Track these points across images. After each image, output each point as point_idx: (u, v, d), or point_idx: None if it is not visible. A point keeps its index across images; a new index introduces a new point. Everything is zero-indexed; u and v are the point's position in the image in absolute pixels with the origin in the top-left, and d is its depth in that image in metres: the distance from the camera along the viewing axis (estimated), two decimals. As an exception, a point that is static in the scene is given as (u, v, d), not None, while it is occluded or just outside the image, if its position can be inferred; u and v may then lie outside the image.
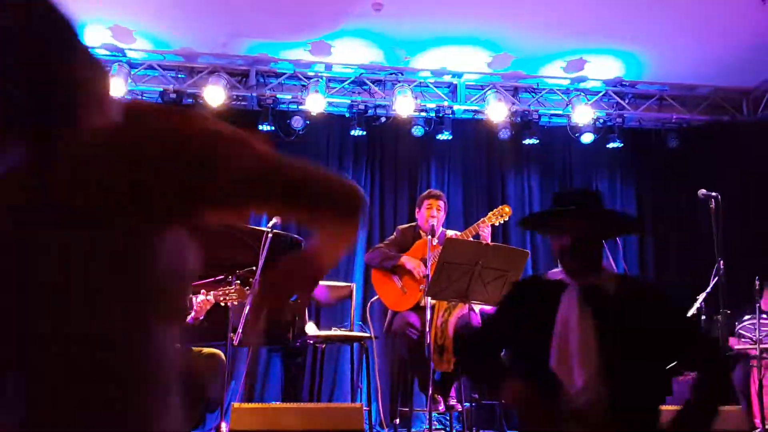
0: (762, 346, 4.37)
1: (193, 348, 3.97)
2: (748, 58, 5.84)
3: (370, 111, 6.29)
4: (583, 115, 6.23)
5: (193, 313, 3.91)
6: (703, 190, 4.31)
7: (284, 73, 6.24)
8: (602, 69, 6.22)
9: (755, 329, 4.44)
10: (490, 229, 4.39)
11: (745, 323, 5.23)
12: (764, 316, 4.75)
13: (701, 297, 4.91)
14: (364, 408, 4.19)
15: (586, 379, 1.91)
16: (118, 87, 5.75)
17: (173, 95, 6.00)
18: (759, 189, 6.01)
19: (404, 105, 6.00)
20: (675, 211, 6.52)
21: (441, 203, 4.55)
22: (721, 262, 4.06)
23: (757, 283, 4.72)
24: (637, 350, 1.95)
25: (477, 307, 4.33)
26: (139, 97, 6.19)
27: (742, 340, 5.17)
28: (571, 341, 1.96)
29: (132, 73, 5.99)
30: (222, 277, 4.37)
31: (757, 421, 4.12)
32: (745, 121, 6.60)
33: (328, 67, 6.25)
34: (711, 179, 5.14)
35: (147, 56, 6.09)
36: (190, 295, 3.98)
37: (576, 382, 1.92)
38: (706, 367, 2.03)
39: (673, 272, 6.40)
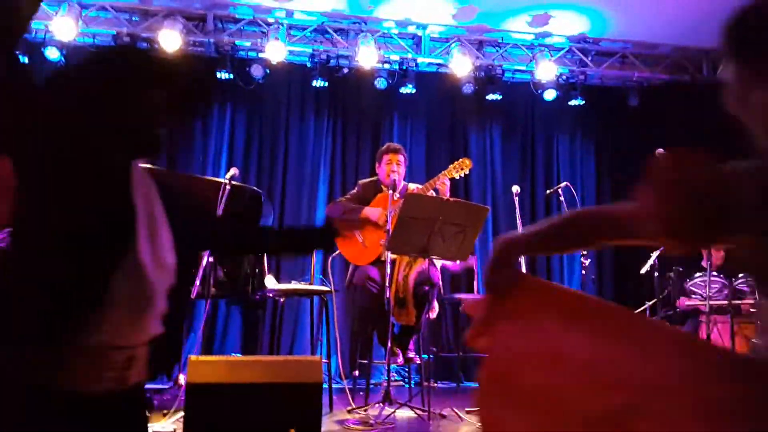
0: (711, 302, 4.51)
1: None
2: (709, 18, 5.83)
3: (332, 61, 6.14)
4: (547, 71, 6.21)
5: None
6: (661, 150, 4.36)
7: (243, 19, 6.03)
8: (567, 25, 6.18)
9: (705, 286, 4.58)
10: (449, 182, 4.38)
11: (695, 280, 5.39)
12: (714, 273, 4.90)
13: (654, 254, 5.03)
14: (324, 361, 4.21)
15: None
16: (67, 29, 5.48)
17: (126, 39, 5.75)
18: (717, 148, 6.12)
19: (367, 56, 5.88)
20: (634, 170, 6.61)
21: (401, 157, 4.51)
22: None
23: (709, 241, 4.82)
24: None
25: (438, 263, 4.35)
26: (91, 40, 5.93)
27: (693, 297, 5.34)
28: None
29: (83, 14, 5.70)
30: (179, 228, 4.29)
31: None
32: (704, 80, 6.67)
33: (289, 13, 6.06)
34: (671, 138, 5.20)
35: (98, -3, 5.80)
36: None
37: None
38: None
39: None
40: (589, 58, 6.56)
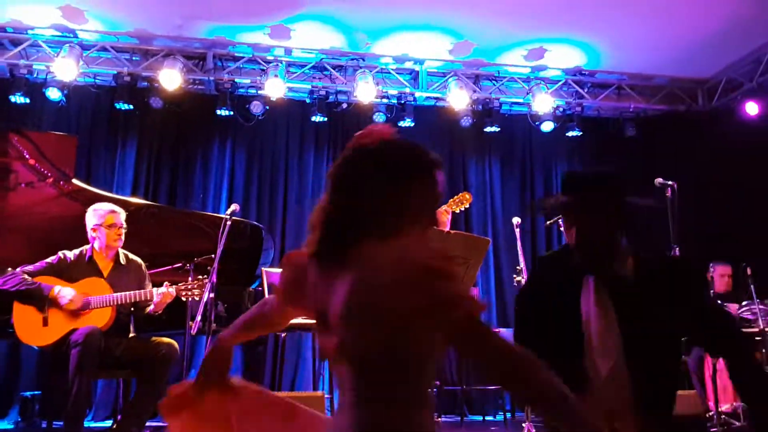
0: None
1: (149, 339, 3.87)
2: (704, 50, 5.95)
3: (331, 97, 6.21)
4: (543, 103, 6.28)
5: (152, 306, 3.81)
6: (660, 179, 4.37)
7: (242, 57, 6.11)
8: (562, 58, 6.26)
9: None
10: (450, 216, 4.38)
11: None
12: (719, 301, 4.87)
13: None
14: (326, 396, 4.16)
15: (610, 368, 1.84)
16: (68, 69, 5.55)
17: (127, 78, 5.82)
18: (713, 177, 6.15)
19: (366, 91, 5.94)
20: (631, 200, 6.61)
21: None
22: (677, 249, 4.13)
23: (711, 268, 4.82)
24: (658, 335, 1.88)
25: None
26: (92, 80, 6.00)
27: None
28: (592, 332, 1.89)
29: (84, 54, 5.78)
30: (180, 264, 4.27)
31: (711, 404, 4.22)
32: (700, 110, 6.73)
33: (288, 51, 6.14)
34: (668, 168, 5.22)
35: (99, 38, 5.89)
36: (151, 288, 3.87)
37: (600, 373, 1.85)
38: (731, 350, 1.94)
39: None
40: (586, 90, 6.63)
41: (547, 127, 6.45)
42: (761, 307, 4.59)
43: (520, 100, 6.52)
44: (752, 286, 4.62)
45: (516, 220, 4.58)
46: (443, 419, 5.27)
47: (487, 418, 5.64)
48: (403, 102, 6.27)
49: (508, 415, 5.32)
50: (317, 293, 1.36)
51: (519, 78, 6.52)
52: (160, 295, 3.77)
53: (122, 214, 3.93)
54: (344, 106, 6.27)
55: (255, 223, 5.12)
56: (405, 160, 1.43)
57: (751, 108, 6.15)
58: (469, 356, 1.37)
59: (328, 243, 1.37)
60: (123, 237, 3.92)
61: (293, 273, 1.47)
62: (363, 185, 1.36)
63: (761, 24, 5.50)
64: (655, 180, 4.38)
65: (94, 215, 3.89)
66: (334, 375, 1.37)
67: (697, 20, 5.45)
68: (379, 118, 6.21)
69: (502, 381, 1.32)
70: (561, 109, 6.49)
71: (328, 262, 1.36)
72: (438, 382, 4.41)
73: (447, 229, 4.22)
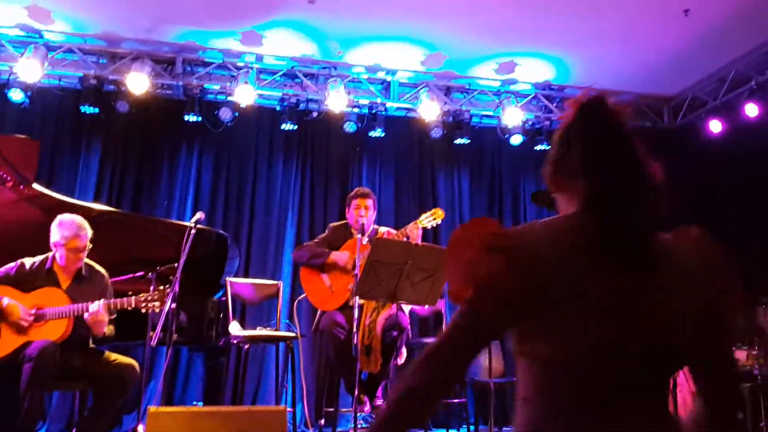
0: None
1: (109, 354, 3.77)
2: (670, 67, 6.06)
3: (301, 105, 6.17)
4: (513, 116, 6.32)
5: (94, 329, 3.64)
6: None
7: (213, 63, 6.04)
8: (532, 72, 6.32)
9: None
10: (421, 231, 4.36)
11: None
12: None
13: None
14: (288, 409, 4.11)
15: None
16: (33, 70, 5.42)
17: (93, 81, 5.71)
18: (678, 193, 6.24)
19: (337, 100, 5.92)
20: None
21: (370, 201, 4.49)
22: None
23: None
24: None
25: (407, 308, 4.30)
26: (57, 82, 5.87)
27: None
28: None
29: (49, 56, 5.65)
30: (141, 273, 4.19)
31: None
32: (665, 127, 6.85)
33: (259, 58, 6.09)
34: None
35: (66, 39, 5.76)
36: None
37: None
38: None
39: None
40: (555, 105, 6.69)
41: (516, 140, 6.49)
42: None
43: (490, 113, 6.56)
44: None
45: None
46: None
47: (451, 430, 5.63)
48: (374, 112, 6.26)
49: (472, 428, 5.31)
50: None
51: (489, 91, 6.56)
52: (91, 314, 3.54)
53: (87, 235, 3.77)
54: (315, 114, 6.24)
55: (221, 231, 5.05)
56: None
57: (715, 126, 6.28)
58: None
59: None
60: (85, 253, 3.80)
61: None
62: None
63: (726, 44, 5.62)
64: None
65: (57, 232, 3.74)
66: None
67: (663, 38, 5.55)
68: (349, 127, 6.19)
69: None
70: (530, 123, 6.55)
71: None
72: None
73: (418, 242, 4.22)
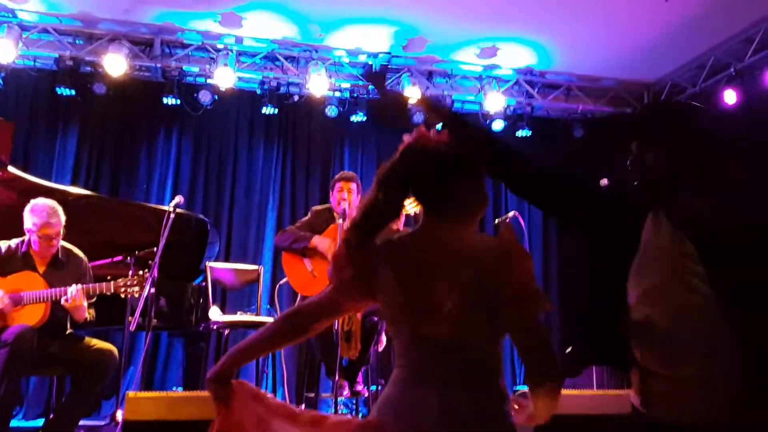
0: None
1: (88, 339, 3.73)
2: (650, 53, 6.08)
3: (282, 88, 6.11)
4: (495, 102, 6.32)
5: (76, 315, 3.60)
6: (605, 180, 4.45)
7: (191, 44, 5.95)
8: (514, 57, 6.31)
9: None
10: (403, 218, 4.35)
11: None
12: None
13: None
14: (269, 395, 4.10)
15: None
16: (6, 51, 5.30)
17: (69, 62, 5.60)
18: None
19: (318, 83, 5.87)
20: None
21: (353, 185, 4.46)
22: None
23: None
24: None
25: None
26: (31, 63, 5.75)
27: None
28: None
29: (23, 36, 5.53)
30: (120, 258, 4.14)
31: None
32: (645, 114, 6.88)
33: (239, 40, 6.01)
34: (612, 169, 5.32)
35: (40, 19, 5.64)
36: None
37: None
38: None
39: (575, 254, 6.63)
40: (536, 90, 6.70)
41: (498, 125, 6.50)
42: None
43: (472, 98, 6.55)
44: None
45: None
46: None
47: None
48: (355, 96, 6.22)
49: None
50: (403, 284, 1.46)
51: (472, 76, 6.55)
52: (68, 299, 3.50)
53: (60, 221, 3.69)
54: (296, 98, 6.18)
55: (200, 216, 5.00)
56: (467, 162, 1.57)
57: (694, 113, 6.31)
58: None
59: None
60: (59, 239, 3.74)
61: (361, 268, 1.53)
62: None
63: (706, 30, 5.65)
64: (601, 181, 4.48)
65: (30, 218, 3.66)
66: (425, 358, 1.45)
67: (644, 25, 5.56)
68: (331, 111, 6.15)
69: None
70: (512, 109, 6.55)
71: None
72: (383, 381, 4.39)
73: (400, 227, 4.20)
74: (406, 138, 1.62)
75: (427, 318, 1.42)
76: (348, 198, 4.39)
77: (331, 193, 4.54)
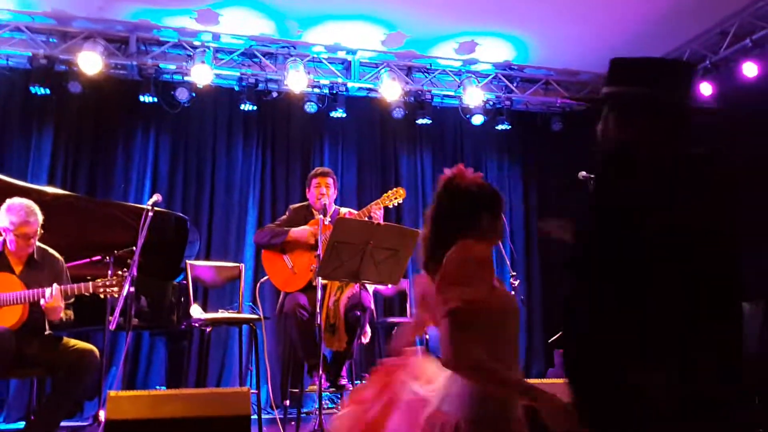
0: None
1: (67, 340, 3.68)
2: (627, 47, 6.12)
3: (260, 85, 6.08)
4: (474, 96, 6.34)
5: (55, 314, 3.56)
6: (584, 172, 4.50)
7: (168, 41, 5.89)
8: (492, 52, 6.33)
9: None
10: (383, 211, 4.36)
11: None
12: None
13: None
14: (253, 391, 4.09)
15: None
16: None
17: (44, 61, 5.52)
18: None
19: (297, 80, 5.84)
20: (558, 193, 6.80)
21: (330, 180, 4.47)
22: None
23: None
24: None
25: (371, 287, 4.31)
26: (4, 62, 5.66)
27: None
28: None
29: (-5, 34, 5.45)
30: (99, 258, 4.09)
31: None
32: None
33: (216, 36, 5.97)
34: (590, 161, 5.37)
35: (13, 17, 5.55)
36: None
37: None
38: None
39: (556, 248, 6.68)
40: (515, 85, 6.73)
41: (478, 120, 6.52)
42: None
43: (452, 93, 6.56)
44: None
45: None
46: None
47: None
48: (335, 92, 6.20)
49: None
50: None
51: (450, 71, 6.56)
52: (48, 300, 3.46)
53: (38, 220, 3.64)
54: (274, 95, 6.15)
55: (179, 214, 4.96)
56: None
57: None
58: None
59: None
60: (36, 239, 3.69)
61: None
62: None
63: (682, 24, 5.71)
64: (579, 174, 4.52)
65: (6, 217, 3.60)
66: None
67: (620, 19, 5.61)
68: (310, 108, 6.13)
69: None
70: (491, 103, 6.58)
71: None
72: (367, 375, 4.39)
73: (380, 221, 4.21)
74: (447, 171, 1.99)
75: None
76: (326, 193, 4.40)
77: (308, 189, 4.54)
